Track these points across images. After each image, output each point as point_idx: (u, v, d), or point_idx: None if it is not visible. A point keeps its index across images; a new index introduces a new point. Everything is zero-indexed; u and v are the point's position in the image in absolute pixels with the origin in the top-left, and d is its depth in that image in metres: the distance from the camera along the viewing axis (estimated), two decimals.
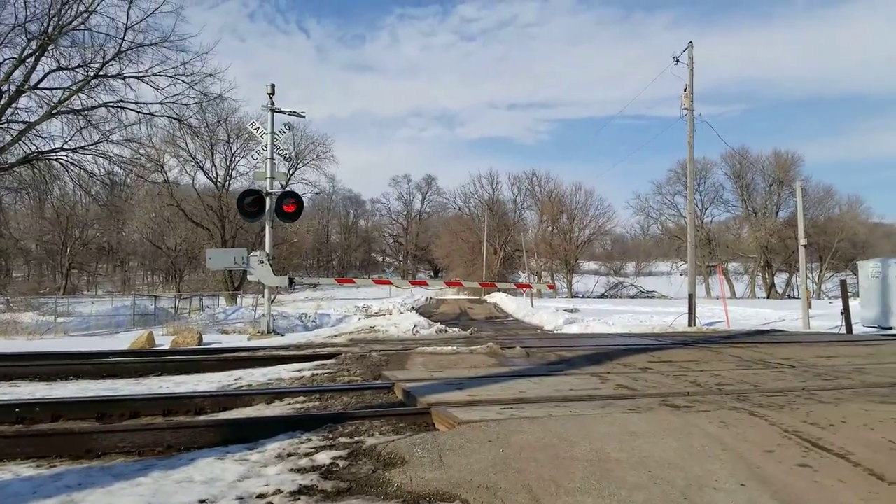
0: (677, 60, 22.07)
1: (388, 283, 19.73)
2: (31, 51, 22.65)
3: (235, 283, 43.93)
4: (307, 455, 4.39)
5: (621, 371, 7.80)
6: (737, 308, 28.41)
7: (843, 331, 17.91)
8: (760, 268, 64.23)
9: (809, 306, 21.17)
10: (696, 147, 22.30)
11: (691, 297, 21.02)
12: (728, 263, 64.64)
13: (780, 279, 65.15)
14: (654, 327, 19.09)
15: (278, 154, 17.09)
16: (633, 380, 7.05)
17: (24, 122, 23.44)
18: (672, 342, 12.26)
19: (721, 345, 11.58)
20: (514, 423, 4.75)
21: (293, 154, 50.60)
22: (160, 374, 8.43)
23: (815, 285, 57.91)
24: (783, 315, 24.87)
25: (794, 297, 55.25)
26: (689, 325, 19.97)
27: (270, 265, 15.72)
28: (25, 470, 4.16)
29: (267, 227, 16.92)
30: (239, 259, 15.37)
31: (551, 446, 4.16)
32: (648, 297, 62.66)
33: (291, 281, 16.53)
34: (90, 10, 22.91)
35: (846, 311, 18.16)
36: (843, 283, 20.39)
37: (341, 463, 4.20)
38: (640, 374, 7.57)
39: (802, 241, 21.45)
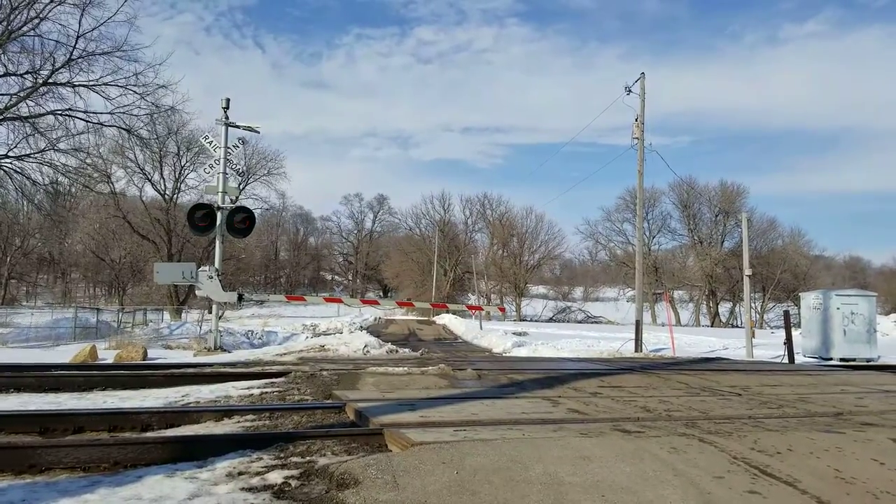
0: (629, 90, 22.73)
1: (339, 301, 19.60)
2: None
3: (181, 298, 42.84)
4: (258, 474, 4.33)
5: (572, 395, 7.92)
6: (682, 335, 29.12)
7: (786, 360, 18.40)
8: (705, 296, 66.02)
9: (753, 335, 21.82)
10: (645, 176, 22.96)
11: (638, 324, 21.45)
12: (674, 291, 66.16)
13: (724, 308, 67.01)
14: (602, 352, 19.39)
15: (231, 168, 16.88)
16: (584, 404, 7.16)
17: None
18: (621, 367, 12.49)
19: (668, 371, 11.84)
20: (468, 445, 4.78)
21: (245, 168, 50.03)
22: (105, 389, 8.18)
23: (757, 315, 59.70)
24: (727, 343, 25.58)
25: (737, 326, 56.92)
26: (636, 350, 20.37)
27: (219, 281, 15.46)
28: None
29: (217, 243, 16.63)
30: (188, 274, 15.06)
31: (505, 469, 4.20)
32: (596, 322, 63.64)
33: (241, 297, 16.26)
34: (41, 16, 22.39)
35: (789, 341, 18.65)
36: (787, 314, 21.08)
37: (293, 483, 4.15)
38: (590, 398, 7.69)
39: (747, 272, 22.17)
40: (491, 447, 4.71)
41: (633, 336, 21.41)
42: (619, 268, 70.18)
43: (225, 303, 16.67)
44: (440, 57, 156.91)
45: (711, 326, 59.88)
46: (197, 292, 15.71)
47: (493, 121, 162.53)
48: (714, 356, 19.58)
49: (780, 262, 61.86)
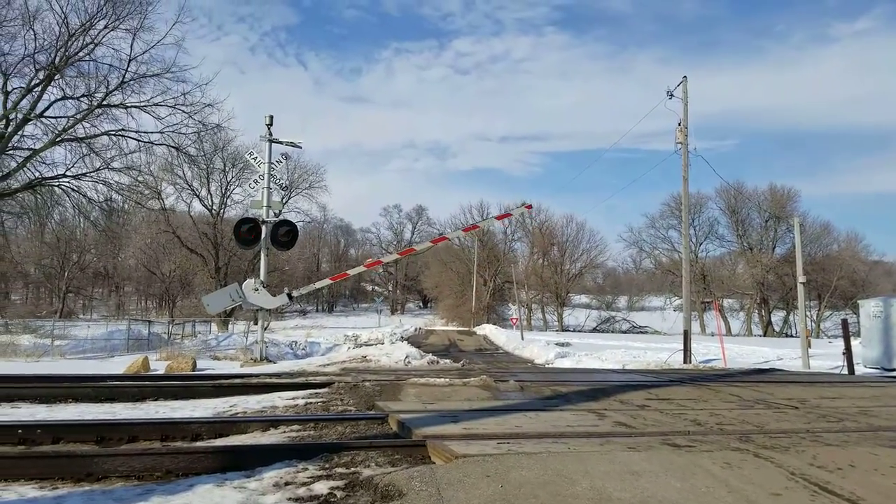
0: (671, 94, 22.35)
1: (379, 262, 19.35)
2: (38, 80, 23.01)
3: (227, 310, 43.70)
4: (304, 485, 4.37)
5: (619, 408, 7.78)
6: (733, 345, 28.36)
7: (845, 371, 17.69)
8: (757, 305, 64.17)
9: (809, 345, 21.09)
10: (690, 181, 22.52)
11: (686, 334, 20.98)
12: (723, 300, 64.55)
13: (777, 317, 64.88)
14: (648, 363, 19.03)
15: (274, 183, 17.22)
16: (631, 417, 7.03)
17: (29, 149, 23.68)
18: (669, 379, 12.23)
19: (719, 383, 11.55)
20: (513, 458, 4.74)
21: (287, 183, 50.88)
22: (156, 399, 8.39)
23: (813, 324, 57.58)
24: (781, 354, 24.82)
25: (791, 336, 55.07)
26: (685, 361, 19.92)
27: (265, 289, 15.80)
28: (30, 491, 4.16)
29: (262, 255, 16.95)
30: (235, 295, 15.44)
31: (551, 483, 4.14)
32: (641, 332, 62.48)
33: (290, 296, 16.51)
34: (96, 41, 23.37)
35: (848, 352, 17.87)
36: (845, 323, 20.24)
37: (339, 493, 4.18)
38: (638, 411, 7.55)
39: (801, 279, 21.51)
40: (536, 461, 4.66)
41: (681, 346, 20.95)
42: (665, 276, 68.78)
43: (277, 307, 16.93)
44: (477, 67, 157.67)
45: (764, 336, 58.19)
46: (247, 306, 16.04)
47: (530, 129, 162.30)
48: (768, 367, 19.02)
49: (837, 268, 59.51)
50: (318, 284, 19.30)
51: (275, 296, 16.07)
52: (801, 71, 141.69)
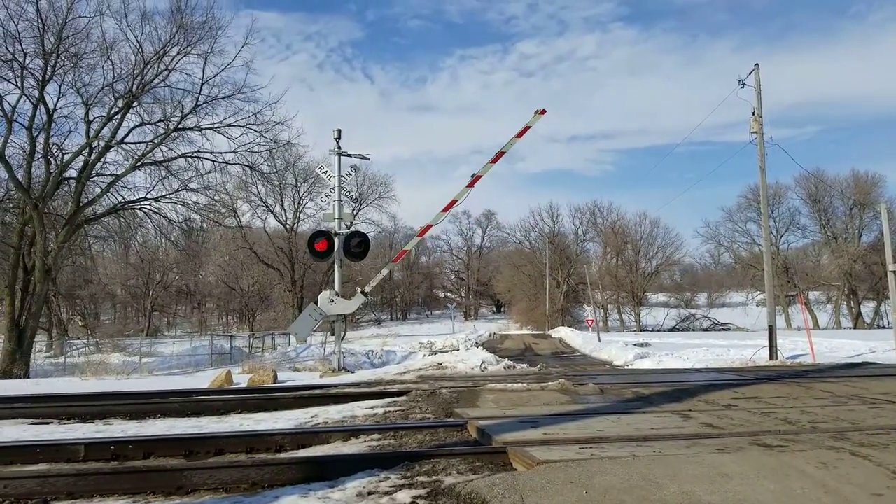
0: (743, 84, 21.53)
1: (429, 226, 19.25)
2: (117, 109, 24.28)
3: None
4: (387, 494, 4.39)
5: (704, 408, 7.51)
6: (821, 339, 26.99)
7: None
8: (845, 296, 60.95)
9: None
10: (768, 171, 21.62)
11: (771, 329, 20.10)
12: (808, 292, 61.58)
13: (867, 308, 61.47)
14: (732, 361, 18.32)
15: (345, 195, 17.53)
16: (717, 418, 6.77)
17: (111, 175, 25.07)
18: (755, 377, 11.75)
19: (809, 379, 11.01)
20: (596, 463, 4.63)
21: (357, 194, 51.80)
22: (240, 412, 8.65)
23: None
24: (874, 346, 23.46)
25: (883, 327, 52.12)
26: (771, 358, 19.08)
27: (340, 296, 16.22)
28: None
29: (336, 267, 17.29)
30: (315, 314, 15.94)
31: (637, 488, 4.02)
32: (723, 329, 60.34)
33: (364, 293, 16.83)
34: (170, 68, 24.49)
35: None
36: None
37: (421, 502, 4.18)
38: (724, 411, 7.26)
39: (891, 267, 20.32)
40: (620, 465, 4.54)
41: (766, 343, 20.08)
42: (746, 270, 66.17)
43: (349, 317, 17.32)
44: (542, 69, 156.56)
45: (854, 328, 55.22)
46: (329, 318, 16.46)
47: (599, 127, 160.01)
48: (860, 361, 18.02)
49: None
50: (384, 271, 19.52)
51: (350, 299, 16.44)
52: (881, 51, 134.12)
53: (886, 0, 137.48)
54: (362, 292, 16.73)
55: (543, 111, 17.33)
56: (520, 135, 17.17)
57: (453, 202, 16.81)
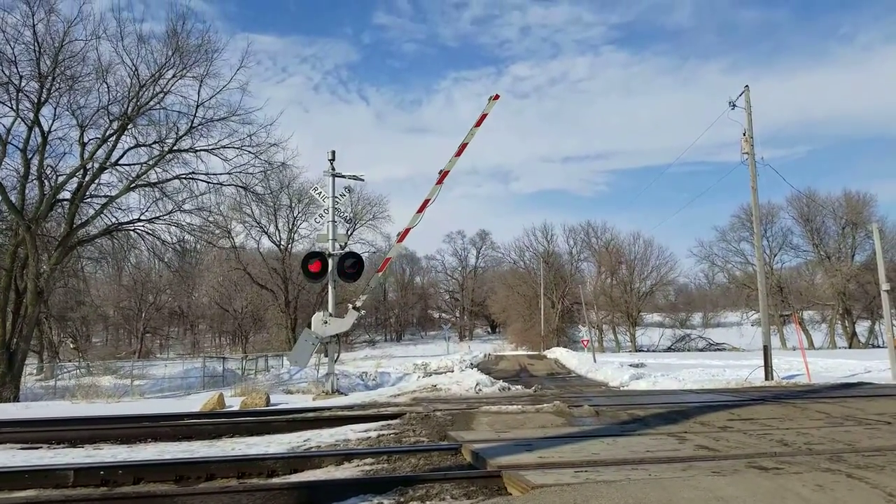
0: (734, 105, 21.77)
1: (408, 231, 19.38)
2: (112, 131, 24.22)
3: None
4: None
5: (699, 430, 7.47)
6: (817, 359, 26.98)
7: None
8: (839, 315, 61.01)
9: None
10: (759, 191, 21.73)
11: (766, 349, 20.09)
12: (803, 312, 61.66)
13: (861, 327, 61.51)
14: (728, 382, 18.28)
15: (339, 216, 17.55)
16: (713, 440, 6.72)
17: (105, 196, 24.92)
18: (751, 398, 11.71)
19: (805, 400, 10.98)
20: (591, 487, 4.58)
21: (352, 215, 51.80)
22: (232, 436, 8.55)
23: None
24: (869, 366, 23.45)
25: (879, 346, 52.12)
26: (767, 378, 19.05)
27: (333, 316, 16.20)
28: None
29: (329, 288, 17.24)
30: (311, 339, 16.00)
31: None
32: (719, 349, 60.21)
33: (356, 308, 16.81)
34: (165, 90, 24.51)
35: None
36: None
37: None
38: (720, 433, 7.22)
39: (884, 286, 20.38)
40: (616, 489, 4.49)
41: (761, 363, 20.06)
42: (740, 290, 66.26)
43: (350, 327, 17.25)
44: (536, 91, 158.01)
45: (849, 348, 55.21)
46: (325, 340, 16.42)
47: (593, 148, 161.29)
48: (855, 381, 17.99)
49: None
50: (372, 283, 19.53)
51: (343, 317, 16.44)
52: (871, 71, 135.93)
53: (875, 22, 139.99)
54: (354, 308, 16.71)
55: (497, 96, 17.83)
56: (478, 124, 17.61)
57: (426, 202, 17.03)
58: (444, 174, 16.99)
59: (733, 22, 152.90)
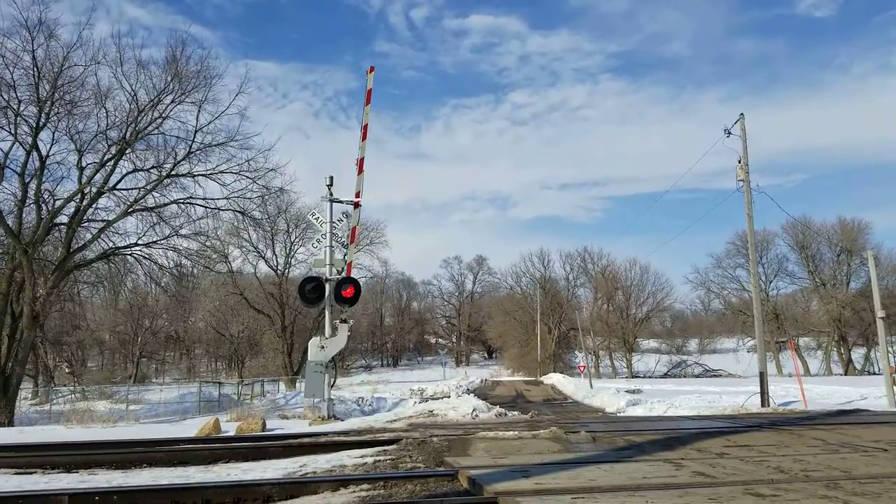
0: (729, 133, 22.06)
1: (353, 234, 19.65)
2: (110, 155, 24.31)
3: (294, 368, 44.42)
4: None
5: (696, 457, 7.47)
6: (813, 386, 26.97)
7: None
8: (835, 342, 61.00)
9: (894, 383, 19.91)
10: (755, 218, 21.94)
11: (762, 376, 20.11)
12: (799, 338, 61.61)
13: (857, 354, 61.48)
14: (724, 408, 18.26)
15: (336, 241, 17.64)
16: (710, 466, 6.73)
17: (102, 221, 24.94)
18: (747, 424, 11.70)
19: (801, 426, 10.98)
20: None
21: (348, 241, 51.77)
22: (228, 461, 8.51)
23: None
24: (865, 393, 23.46)
25: (874, 373, 52.06)
26: (763, 405, 19.04)
27: (327, 340, 16.33)
28: None
29: (326, 312, 17.28)
30: (318, 368, 16.26)
31: None
32: (715, 375, 60.05)
33: (344, 321, 16.94)
34: (164, 115, 24.66)
35: None
36: None
37: None
38: (716, 459, 7.22)
39: (880, 314, 20.49)
40: None
41: (757, 389, 20.06)
42: (736, 316, 66.27)
43: (345, 345, 17.35)
44: (535, 118, 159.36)
45: (845, 375, 55.13)
46: (326, 363, 16.50)
47: (590, 175, 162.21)
48: (851, 408, 18.00)
49: None
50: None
51: (335, 335, 16.57)
52: (866, 101, 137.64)
53: (869, 53, 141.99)
54: (342, 321, 16.79)
55: (372, 68, 18.55)
56: (367, 102, 18.22)
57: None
58: (360, 161, 17.72)
59: (730, 53, 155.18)
